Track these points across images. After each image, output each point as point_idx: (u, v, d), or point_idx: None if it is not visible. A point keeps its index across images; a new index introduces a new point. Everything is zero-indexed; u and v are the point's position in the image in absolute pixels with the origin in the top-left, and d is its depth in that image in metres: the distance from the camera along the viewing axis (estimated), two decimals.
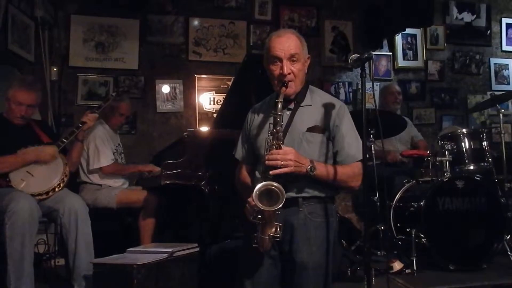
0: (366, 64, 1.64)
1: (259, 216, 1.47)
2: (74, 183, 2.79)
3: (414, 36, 4.65)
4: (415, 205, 2.81)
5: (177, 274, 2.16)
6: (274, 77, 1.63)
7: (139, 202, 2.81)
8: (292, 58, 1.60)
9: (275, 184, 1.44)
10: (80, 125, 2.56)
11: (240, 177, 1.77)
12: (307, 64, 1.67)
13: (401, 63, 4.60)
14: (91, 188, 2.87)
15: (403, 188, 3.01)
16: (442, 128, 4.40)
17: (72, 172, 2.63)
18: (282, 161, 1.47)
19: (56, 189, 2.38)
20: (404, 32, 4.50)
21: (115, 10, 3.92)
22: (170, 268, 2.13)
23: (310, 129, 1.60)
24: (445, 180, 2.82)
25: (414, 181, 3.04)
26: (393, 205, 2.94)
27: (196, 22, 4.14)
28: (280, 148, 1.50)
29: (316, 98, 1.67)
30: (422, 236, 2.68)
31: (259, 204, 1.42)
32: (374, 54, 4.34)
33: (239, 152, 1.78)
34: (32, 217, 2.14)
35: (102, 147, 2.89)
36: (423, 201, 2.73)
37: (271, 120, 1.54)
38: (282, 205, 1.46)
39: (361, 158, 1.61)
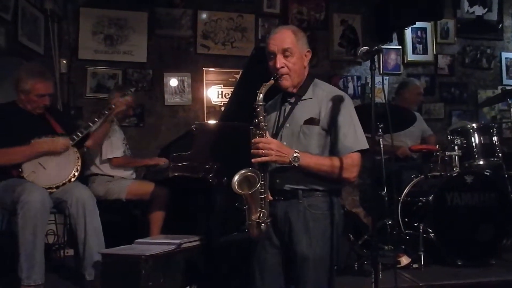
0: (376, 58, 1.62)
1: (244, 203, 1.54)
2: (81, 175, 2.81)
3: (424, 29, 4.59)
4: (423, 200, 2.80)
5: (185, 265, 2.17)
6: (271, 71, 1.65)
7: (148, 195, 2.84)
8: (285, 53, 1.62)
9: (247, 170, 1.52)
10: (111, 107, 2.62)
11: None
12: (307, 58, 1.69)
13: (411, 57, 4.55)
14: (103, 179, 2.89)
15: (411, 183, 2.99)
16: (452, 123, 4.36)
17: (93, 148, 2.72)
18: (263, 150, 1.52)
19: (66, 183, 2.40)
20: (414, 26, 4.45)
21: (123, 3, 3.94)
22: (178, 259, 2.15)
23: (307, 122, 1.63)
24: (454, 175, 2.79)
25: (422, 176, 3.02)
26: (401, 200, 2.93)
27: (204, 15, 4.13)
28: (262, 137, 1.55)
29: (318, 91, 1.69)
30: (430, 231, 2.66)
31: (237, 190, 1.50)
32: (383, 48, 4.30)
33: None
34: (44, 207, 2.17)
35: (115, 139, 2.93)
36: (431, 196, 2.72)
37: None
38: (283, 197, 1.60)
39: (358, 149, 1.60)
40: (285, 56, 1.62)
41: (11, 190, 2.23)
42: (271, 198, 1.58)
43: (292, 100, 1.68)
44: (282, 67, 1.62)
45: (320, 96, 1.66)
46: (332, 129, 1.62)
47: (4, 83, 2.78)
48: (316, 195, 1.61)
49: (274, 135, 1.64)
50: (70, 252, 2.98)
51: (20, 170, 2.32)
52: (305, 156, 1.55)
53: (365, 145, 1.62)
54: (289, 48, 1.62)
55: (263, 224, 1.54)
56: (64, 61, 3.77)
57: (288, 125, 1.65)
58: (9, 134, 2.32)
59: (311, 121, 1.62)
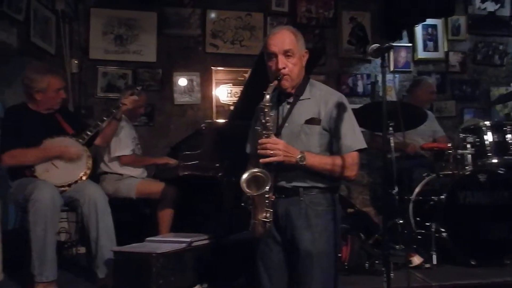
0: (386, 55, 1.63)
1: (250, 202, 1.57)
2: (93, 174, 2.84)
3: (434, 26, 4.54)
4: (435, 199, 2.77)
5: (195, 263, 2.19)
6: (271, 72, 1.67)
7: (158, 193, 2.86)
8: (287, 53, 1.65)
9: (257, 170, 1.54)
10: (119, 105, 2.66)
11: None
12: (305, 59, 1.72)
13: (421, 54, 4.50)
14: (112, 178, 2.92)
15: (423, 182, 2.96)
16: (464, 121, 4.30)
17: (102, 146, 2.77)
18: (271, 150, 1.55)
19: (79, 182, 2.43)
20: (424, 23, 4.39)
21: (133, 3, 3.96)
22: (188, 257, 2.16)
23: (308, 121, 1.65)
24: (466, 173, 2.76)
25: (434, 175, 2.98)
26: (412, 199, 2.90)
27: (213, 15, 4.14)
28: (269, 137, 1.58)
29: (315, 91, 1.72)
30: (442, 230, 2.63)
31: (246, 190, 1.53)
32: (393, 45, 4.25)
33: (248, 147, 1.86)
34: (54, 205, 2.19)
35: (124, 137, 2.95)
36: (443, 194, 2.68)
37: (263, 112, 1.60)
38: (284, 195, 1.62)
39: (358, 148, 1.65)
40: (286, 57, 1.65)
41: (23, 188, 2.26)
42: (273, 197, 1.60)
43: (291, 100, 1.70)
44: (284, 68, 1.64)
45: (318, 96, 1.70)
46: (332, 128, 1.66)
47: (17, 83, 2.81)
48: (316, 192, 1.65)
49: (275, 135, 1.65)
50: (82, 250, 3.01)
51: (33, 169, 2.35)
52: (309, 156, 1.59)
53: (364, 144, 1.67)
54: (290, 49, 1.65)
55: (268, 223, 1.56)
56: (76, 61, 3.82)
57: (287, 124, 1.67)
58: (21, 135, 2.35)
59: (312, 121, 1.65)
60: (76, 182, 2.41)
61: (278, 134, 1.65)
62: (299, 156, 1.57)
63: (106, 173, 2.96)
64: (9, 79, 2.91)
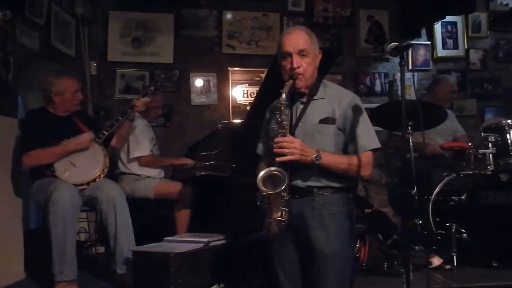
0: (404, 54, 1.62)
1: (265, 201, 1.57)
2: (112, 174, 2.89)
3: (454, 24, 4.45)
4: (456, 199, 2.71)
5: (212, 263, 2.20)
6: (285, 72, 1.68)
7: (175, 194, 2.88)
8: (301, 53, 1.65)
9: (275, 169, 1.54)
10: (132, 106, 2.71)
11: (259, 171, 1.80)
12: (318, 59, 1.72)
13: (441, 52, 4.42)
14: (130, 178, 2.96)
15: (443, 181, 2.90)
16: (485, 120, 4.20)
17: (117, 147, 2.82)
18: (287, 149, 1.55)
19: (97, 180, 2.47)
20: (443, 20, 4.31)
21: (150, 5, 4.01)
22: (206, 257, 2.17)
23: (322, 121, 1.66)
24: (488, 173, 2.70)
25: (454, 175, 2.92)
26: (432, 199, 2.85)
27: (229, 15, 4.16)
28: (285, 136, 1.58)
29: (329, 91, 1.72)
30: (463, 231, 2.58)
31: (263, 188, 1.53)
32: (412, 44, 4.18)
33: (259, 147, 1.87)
34: (73, 206, 2.23)
35: (141, 138, 2.98)
36: (464, 194, 2.63)
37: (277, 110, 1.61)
38: (298, 195, 1.61)
39: (372, 148, 1.65)
40: (301, 56, 1.65)
41: (44, 189, 2.32)
42: (288, 196, 1.59)
43: (304, 100, 1.70)
44: (299, 67, 1.64)
45: (331, 95, 1.70)
46: (347, 128, 1.66)
47: (38, 86, 2.89)
48: (331, 192, 1.64)
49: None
50: (101, 249, 3.06)
51: (52, 169, 2.40)
52: (325, 155, 1.59)
53: (378, 144, 1.68)
54: (305, 49, 1.65)
55: (283, 223, 1.57)
56: (94, 64, 3.89)
57: (301, 124, 1.67)
58: (41, 137, 2.40)
59: (326, 120, 1.66)
60: (94, 180, 2.46)
61: (292, 134, 1.65)
62: (315, 155, 1.57)
63: (124, 173, 3.00)
64: (31, 82, 2.99)
